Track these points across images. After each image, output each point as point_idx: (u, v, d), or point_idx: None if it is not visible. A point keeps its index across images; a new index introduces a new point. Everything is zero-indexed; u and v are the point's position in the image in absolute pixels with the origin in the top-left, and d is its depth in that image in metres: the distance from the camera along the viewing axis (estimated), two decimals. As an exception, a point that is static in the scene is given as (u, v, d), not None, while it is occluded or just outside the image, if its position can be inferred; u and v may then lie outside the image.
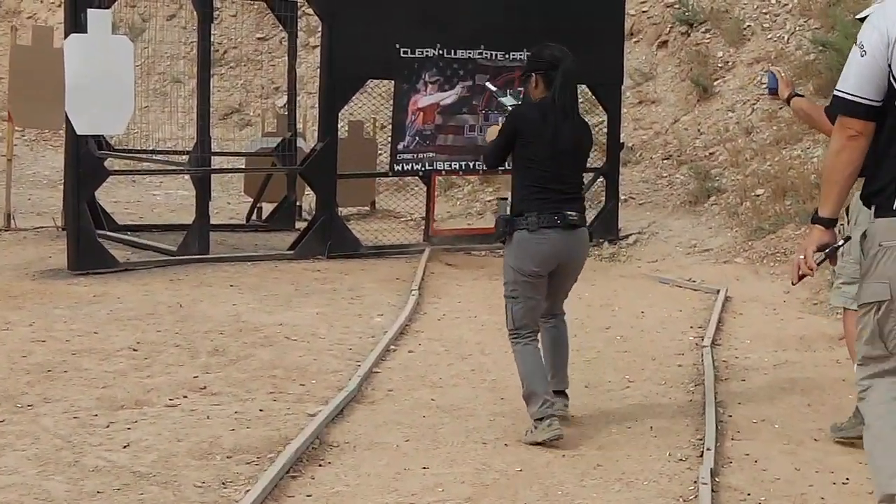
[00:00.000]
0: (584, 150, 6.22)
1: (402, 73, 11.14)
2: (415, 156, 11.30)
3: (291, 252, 11.07)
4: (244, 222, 13.44)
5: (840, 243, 4.61)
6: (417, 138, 11.27)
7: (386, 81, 12.48)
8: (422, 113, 11.24)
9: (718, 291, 9.68)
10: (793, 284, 4.75)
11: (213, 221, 11.43)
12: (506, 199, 6.20)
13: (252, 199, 13.65)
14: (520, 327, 6.13)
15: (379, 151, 13.70)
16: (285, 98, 14.10)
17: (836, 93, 4.36)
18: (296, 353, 7.55)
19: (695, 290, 10.04)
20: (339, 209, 11.66)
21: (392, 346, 7.87)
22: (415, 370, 7.27)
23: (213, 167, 11.82)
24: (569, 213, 6.01)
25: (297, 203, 13.40)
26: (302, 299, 9.27)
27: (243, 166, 14.23)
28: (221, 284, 9.73)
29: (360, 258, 11.10)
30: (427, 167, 11.44)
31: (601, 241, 12.06)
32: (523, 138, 6.06)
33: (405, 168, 11.40)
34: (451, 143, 11.42)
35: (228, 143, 17.05)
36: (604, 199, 12.48)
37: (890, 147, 4.28)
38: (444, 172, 11.72)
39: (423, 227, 12.03)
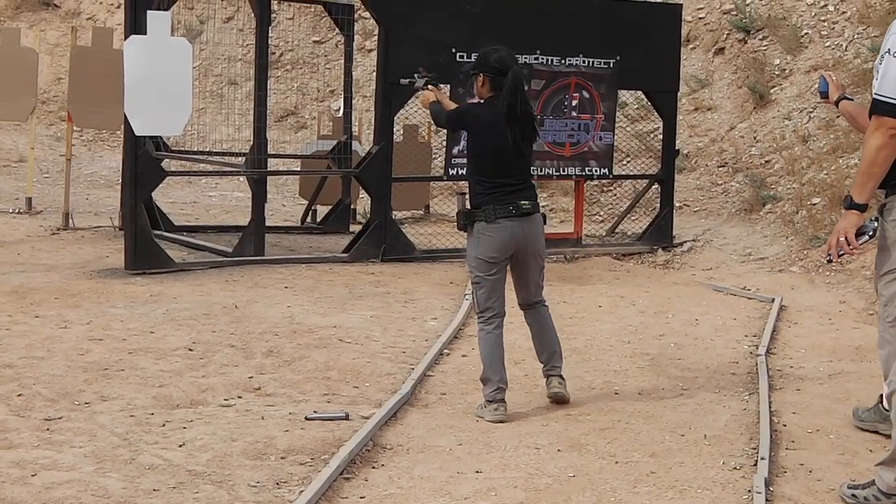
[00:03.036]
0: (529, 145, 6.60)
1: (457, 76, 11.16)
2: (470, 160, 11.30)
3: (346, 255, 11.12)
4: (299, 224, 13.51)
5: (875, 224, 5.05)
6: (472, 143, 11.26)
7: (442, 85, 12.48)
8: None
9: (773, 300, 9.63)
10: (829, 262, 5.42)
11: (268, 223, 11.50)
12: (463, 193, 6.79)
13: (307, 202, 13.71)
14: (484, 310, 6.55)
15: (434, 155, 13.72)
16: (341, 101, 14.15)
17: (876, 96, 4.84)
18: (350, 356, 7.58)
19: (749, 298, 9.99)
20: (394, 213, 11.70)
21: (445, 350, 7.88)
22: (468, 374, 7.28)
23: (268, 169, 11.89)
24: (522, 202, 6.50)
25: (352, 206, 13.45)
26: (356, 302, 9.30)
27: (298, 168, 14.30)
28: (276, 286, 9.78)
29: (414, 262, 11.13)
30: (482, 172, 11.43)
31: (655, 247, 12.04)
32: (472, 135, 6.64)
33: (460, 172, 11.40)
34: (506, 148, 11.41)
35: (284, 146, 17.15)
36: (658, 205, 12.45)
37: None
38: (498, 177, 11.71)
39: (461, 222, 11.99)
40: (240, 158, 12.41)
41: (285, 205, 15.28)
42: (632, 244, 12.27)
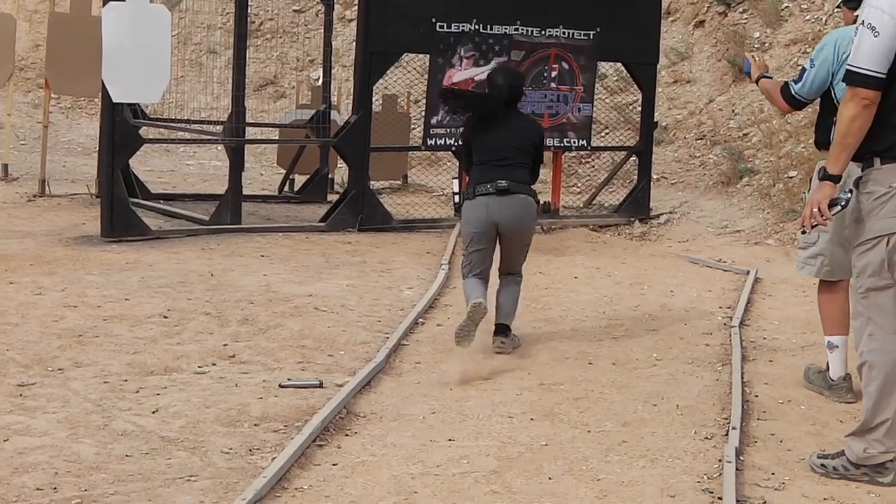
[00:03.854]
0: (522, 140, 7.28)
1: (437, 47, 11.15)
2: (448, 130, 11.31)
3: (323, 224, 11.12)
4: (276, 193, 13.49)
5: (849, 196, 5.14)
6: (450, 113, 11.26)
7: (421, 56, 12.47)
8: (457, 88, 11.24)
9: (748, 272, 9.67)
10: (803, 233, 5.49)
11: (245, 192, 11.49)
12: (456, 178, 8.12)
13: (285, 171, 13.69)
14: (469, 273, 7.20)
15: (412, 126, 13.71)
16: (320, 70, 14.12)
17: (849, 67, 5.00)
18: (325, 324, 7.59)
19: (725, 270, 10.03)
20: (372, 182, 11.69)
21: (421, 320, 7.90)
22: (443, 343, 7.29)
23: (246, 138, 11.86)
24: (499, 181, 7.09)
25: (330, 175, 13.43)
26: (332, 271, 9.31)
27: (277, 138, 14.27)
28: (252, 255, 9.78)
29: (391, 232, 11.14)
30: (460, 142, 11.41)
31: (632, 219, 12.06)
32: (471, 143, 7.34)
33: (438, 143, 11.42)
34: (484, 118, 11.40)
35: (262, 115, 17.10)
36: (636, 177, 12.46)
37: (893, 111, 4.97)
38: (476, 148, 11.71)
39: (454, 202, 12.02)
40: (218, 127, 12.38)
41: (263, 174, 15.26)
42: (609, 216, 12.29)
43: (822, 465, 5.30)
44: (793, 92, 6.46)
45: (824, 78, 6.33)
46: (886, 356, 5.11)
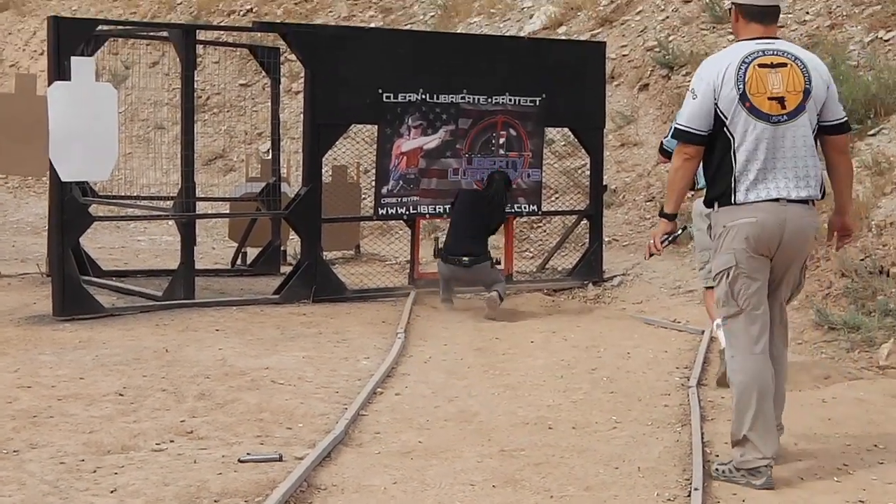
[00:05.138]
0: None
1: (385, 117, 11.19)
2: (399, 199, 11.33)
3: (277, 296, 11.07)
4: (229, 267, 13.43)
5: (679, 231, 6.27)
6: (401, 182, 11.31)
7: (369, 126, 12.52)
8: (405, 157, 11.28)
9: (703, 332, 9.69)
10: (646, 259, 7.28)
11: (197, 266, 11.43)
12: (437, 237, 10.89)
13: (237, 244, 13.64)
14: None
15: (363, 195, 13.72)
16: (269, 143, 14.13)
17: (675, 125, 6.10)
18: (282, 397, 7.54)
19: (680, 331, 10.06)
20: (324, 253, 11.67)
21: (379, 389, 7.85)
22: (402, 413, 7.26)
23: (197, 212, 11.82)
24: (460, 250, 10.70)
25: (282, 247, 13.39)
26: (288, 343, 9.27)
27: (228, 211, 14.23)
28: (207, 329, 9.72)
29: (345, 302, 11.11)
30: (411, 211, 11.46)
31: (586, 282, 12.08)
32: None
33: (389, 212, 11.42)
34: (434, 186, 11.45)
35: (213, 189, 17.06)
36: (588, 241, 12.50)
37: (723, 161, 5.94)
38: (427, 216, 11.75)
39: (408, 271, 12.03)
40: (168, 202, 12.33)
41: (215, 247, 15.19)
42: (562, 279, 12.31)
43: (716, 468, 6.09)
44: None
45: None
46: (744, 375, 5.95)
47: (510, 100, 11.71)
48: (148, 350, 8.80)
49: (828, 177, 6.21)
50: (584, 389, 7.98)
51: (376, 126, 11.47)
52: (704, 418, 7.17)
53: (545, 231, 14.03)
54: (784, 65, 5.93)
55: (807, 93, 5.93)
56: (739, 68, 5.90)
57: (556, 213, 13.48)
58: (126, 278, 12.23)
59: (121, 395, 7.50)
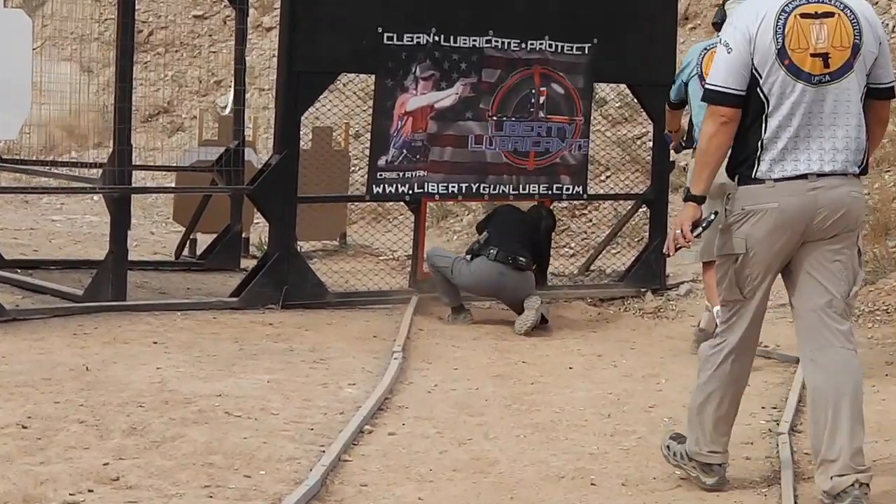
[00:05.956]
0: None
1: (385, 65, 11.16)
2: (400, 175, 11.30)
3: (235, 299, 11.06)
4: (173, 259, 13.43)
5: (712, 217, 6.55)
6: (405, 151, 11.28)
7: (364, 77, 12.49)
8: (411, 118, 11.25)
9: (798, 360, 9.64)
10: (668, 255, 6.79)
11: (131, 258, 11.42)
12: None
13: (184, 229, 13.64)
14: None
15: (353, 168, 13.72)
16: (230, 96, 14.10)
17: (707, 86, 6.43)
18: (240, 434, 7.51)
19: (767, 357, 10.02)
20: (300, 244, 11.66)
21: (367, 427, 7.83)
22: (397, 459, 7.23)
23: (132, 185, 11.80)
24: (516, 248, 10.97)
25: (244, 235, 13.39)
26: (249, 362, 9.26)
27: (173, 185, 14.24)
28: (142, 341, 9.72)
29: (325, 309, 11.12)
30: (416, 190, 11.44)
31: (643, 290, 12.04)
32: None
33: (387, 191, 11.40)
34: (448, 158, 11.43)
35: (154, 154, 17.06)
36: (647, 234, 12.46)
37: (752, 126, 6.29)
38: (437, 197, 11.73)
39: (409, 269, 12.00)
40: (95, 171, 12.32)
41: (154, 232, 15.22)
42: (612, 285, 12.29)
43: (668, 446, 6.93)
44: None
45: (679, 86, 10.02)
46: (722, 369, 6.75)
47: (551, 45, 11.67)
48: (62, 367, 8.80)
49: None
50: (639, 433, 7.94)
51: (373, 76, 11.43)
52: (799, 476, 7.12)
53: (591, 221, 14.03)
54: (830, 14, 6.24)
55: (855, 49, 6.24)
56: (778, 18, 6.22)
57: (605, 196, 13.49)
58: (36, 271, 12.23)
59: (24, 427, 7.47)
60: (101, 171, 11.40)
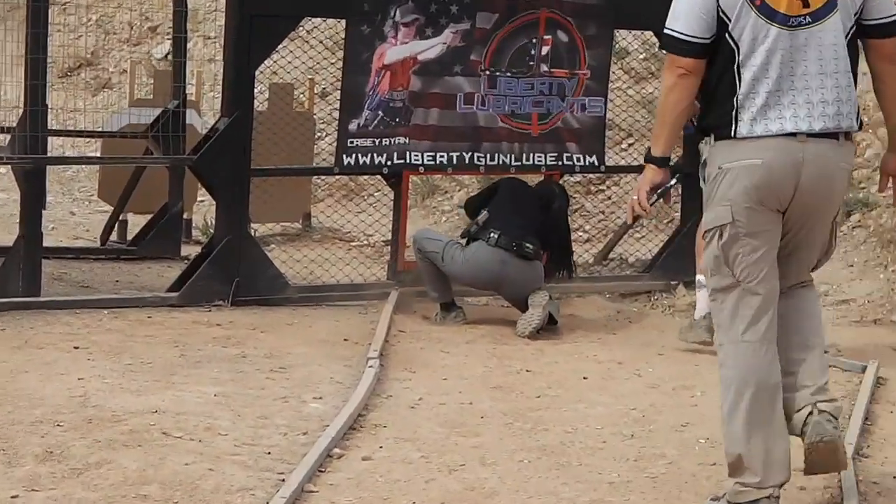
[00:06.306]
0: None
1: (359, 8, 11.13)
2: (376, 142, 11.30)
3: (175, 294, 11.06)
4: (98, 245, 13.42)
5: (672, 182, 6.83)
6: (381, 113, 11.28)
7: (332, 22, 12.49)
8: (389, 73, 11.25)
9: (865, 369, 9.65)
10: (628, 225, 7.46)
11: (47, 243, 11.40)
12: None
13: (112, 209, 13.63)
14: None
15: (319, 134, 13.71)
16: (167, 45, 14.08)
17: (666, 31, 6.55)
18: (180, 460, 7.50)
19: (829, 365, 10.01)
20: (254, 227, 11.64)
21: (337, 450, 7.82)
22: (372, 489, 7.23)
23: (48, 155, 11.77)
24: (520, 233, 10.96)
25: (186, 216, 13.38)
26: (191, 371, 9.25)
27: (98, 154, 14.22)
28: (60, 345, 9.72)
29: (285, 306, 11.13)
30: (396, 161, 11.45)
31: (674, 283, 12.04)
32: None
33: (361, 161, 11.39)
34: (434, 121, 11.44)
35: (74, 117, 17.07)
36: (678, 216, 12.45)
37: (722, 79, 6.48)
38: (422, 169, 11.72)
39: (387, 258, 12.00)
40: (2, 136, 12.30)
41: (75, 212, 15.22)
42: (636, 277, 12.31)
43: None
44: None
45: None
46: (734, 369, 6.57)
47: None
48: (-37, 378, 8.79)
49: (876, 97, 6.76)
50: (669, 458, 7.95)
51: (343, 22, 11.41)
52: (865, 509, 7.14)
53: (610, 199, 14.05)
54: None
55: None
56: None
57: (627, 169, 13.47)
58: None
59: (-85, 450, 7.48)
60: (8, 136, 11.38)
